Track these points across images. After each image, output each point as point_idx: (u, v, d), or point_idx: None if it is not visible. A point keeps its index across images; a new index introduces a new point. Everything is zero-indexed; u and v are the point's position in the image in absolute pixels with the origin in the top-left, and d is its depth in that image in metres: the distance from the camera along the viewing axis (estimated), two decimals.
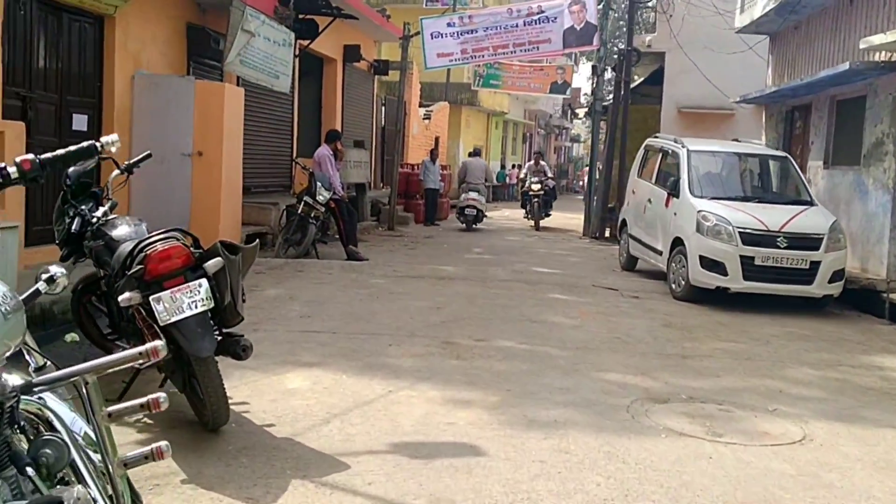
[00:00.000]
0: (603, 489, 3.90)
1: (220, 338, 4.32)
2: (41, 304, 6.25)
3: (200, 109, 9.89)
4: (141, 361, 1.89)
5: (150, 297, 3.99)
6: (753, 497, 3.93)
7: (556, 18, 14.81)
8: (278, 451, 4.16)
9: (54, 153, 2.47)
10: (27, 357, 2.16)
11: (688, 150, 10.84)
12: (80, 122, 9.19)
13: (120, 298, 4.05)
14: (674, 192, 10.58)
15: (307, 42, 14.05)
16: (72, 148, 2.55)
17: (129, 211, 9.86)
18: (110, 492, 2.01)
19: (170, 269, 4.05)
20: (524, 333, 7.38)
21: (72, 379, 1.83)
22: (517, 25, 15.28)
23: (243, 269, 4.38)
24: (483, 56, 16.09)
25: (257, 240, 4.60)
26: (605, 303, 9.38)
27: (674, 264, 10.14)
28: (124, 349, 4.84)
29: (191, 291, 4.05)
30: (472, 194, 18.89)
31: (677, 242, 10.13)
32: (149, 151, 5.25)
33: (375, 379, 5.57)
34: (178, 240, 4.18)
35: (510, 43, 15.48)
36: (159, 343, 1.93)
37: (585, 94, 53.03)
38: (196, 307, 4.04)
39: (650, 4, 19.64)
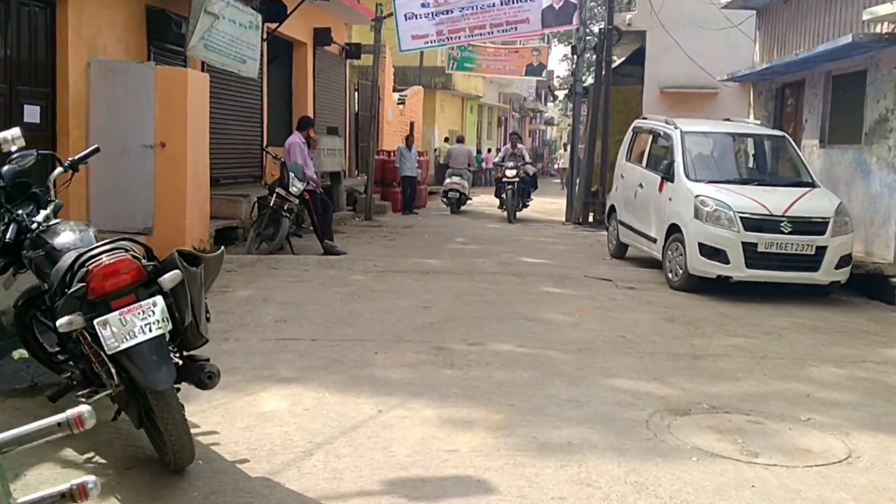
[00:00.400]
0: None
1: (180, 362, 3.69)
2: None
3: (162, 97, 9.20)
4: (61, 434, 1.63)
5: (95, 321, 3.35)
6: None
7: None
8: (253, 495, 3.53)
9: None
10: None
11: (681, 132, 10.28)
12: (31, 113, 8.59)
13: (58, 323, 3.39)
14: (668, 175, 10.03)
15: (275, 25, 13.42)
16: None
17: (88, 210, 9.17)
18: None
19: (117, 286, 3.40)
20: (520, 334, 6.79)
21: None
22: (494, 5, 14.77)
23: (207, 281, 3.73)
24: (459, 37, 15.50)
25: (222, 247, 3.93)
26: (601, 295, 8.81)
27: (670, 252, 9.60)
28: (73, 373, 4.23)
29: (143, 312, 3.40)
30: (455, 178, 19.80)
31: (673, 229, 9.58)
32: (96, 145, 4.81)
33: (363, 396, 4.95)
34: (126, 251, 3.53)
35: (487, 23, 14.96)
36: (85, 410, 1.65)
37: (558, 76, 52.71)
38: (150, 331, 3.39)
39: None
